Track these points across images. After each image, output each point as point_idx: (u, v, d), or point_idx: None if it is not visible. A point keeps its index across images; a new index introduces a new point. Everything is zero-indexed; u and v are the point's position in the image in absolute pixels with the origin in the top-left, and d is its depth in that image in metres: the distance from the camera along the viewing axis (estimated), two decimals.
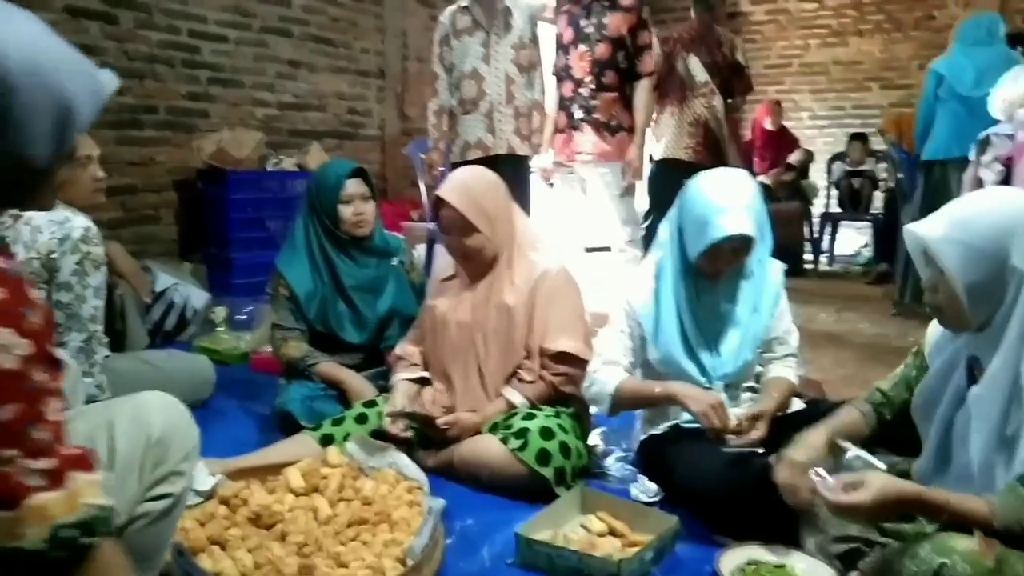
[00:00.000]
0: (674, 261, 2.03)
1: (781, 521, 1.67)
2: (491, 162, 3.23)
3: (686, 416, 1.97)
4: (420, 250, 4.21)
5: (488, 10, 3.57)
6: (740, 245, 1.94)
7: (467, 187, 2.18)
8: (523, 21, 3.63)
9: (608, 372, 2.01)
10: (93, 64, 1.01)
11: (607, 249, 3.90)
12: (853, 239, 6.68)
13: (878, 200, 6.22)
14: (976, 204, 1.39)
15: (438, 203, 2.17)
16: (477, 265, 2.20)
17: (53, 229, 2.11)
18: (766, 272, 2.09)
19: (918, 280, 4.23)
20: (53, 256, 2.09)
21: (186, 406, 2.46)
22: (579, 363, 2.12)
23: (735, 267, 2.02)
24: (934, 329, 1.57)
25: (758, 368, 2.10)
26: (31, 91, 0.90)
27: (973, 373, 1.43)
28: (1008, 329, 1.33)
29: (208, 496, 1.81)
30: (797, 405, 2.04)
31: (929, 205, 4.04)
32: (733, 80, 4.26)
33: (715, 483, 1.80)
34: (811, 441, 1.58)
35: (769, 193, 4.76)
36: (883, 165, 6.04)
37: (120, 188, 4.03)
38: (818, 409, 1.89)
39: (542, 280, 2.15)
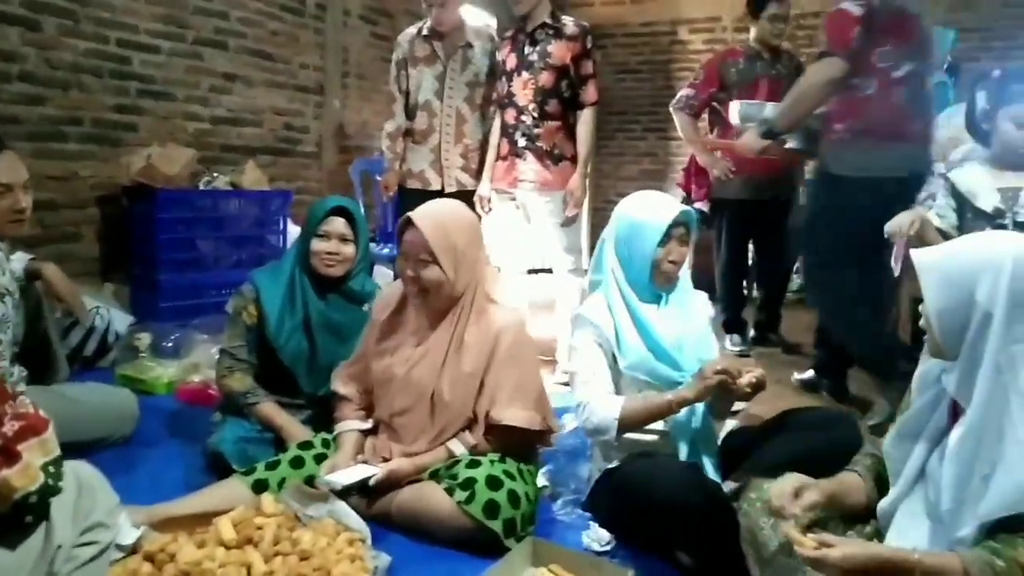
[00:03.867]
0: (623, 288, 2.06)
1: (730, 557, 1.63)
2: (439, 196, 3.17)
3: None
4: None
5: (447, 45, 3.54)
6: (685, 232, 2.06)
7: (440, 217, 2.07)
8: (482, 55, 3.60)
9: (604, 400, 1.98)
10: None
11: (549, 271, 3.88)
12: None
13: None
14: (969, 240, 1.45)
15: (405, 225, 2.08)
16: (431, 302, 2.08)
17: None
18: (692, 295, 2.18)
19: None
20: None
21: (110, 441, 2.40)
22: (526, 434, 2.06)
23: (678, 272, 2.10)
24: (919, 373, 1.58)
25: None
26: None
27: (956, 412, 1.44)
28: (980, 371, 1.34)
29: (131, 551, 1.68)
30: (731, 425, 2.11)
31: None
32: None
33: (669, 496, 1.75)
34: (806, 501, 1.52)
35: (707, 220, 4.76)
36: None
37: (38, 204, 3.76)
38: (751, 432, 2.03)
39: (499, 340, 2.06)
